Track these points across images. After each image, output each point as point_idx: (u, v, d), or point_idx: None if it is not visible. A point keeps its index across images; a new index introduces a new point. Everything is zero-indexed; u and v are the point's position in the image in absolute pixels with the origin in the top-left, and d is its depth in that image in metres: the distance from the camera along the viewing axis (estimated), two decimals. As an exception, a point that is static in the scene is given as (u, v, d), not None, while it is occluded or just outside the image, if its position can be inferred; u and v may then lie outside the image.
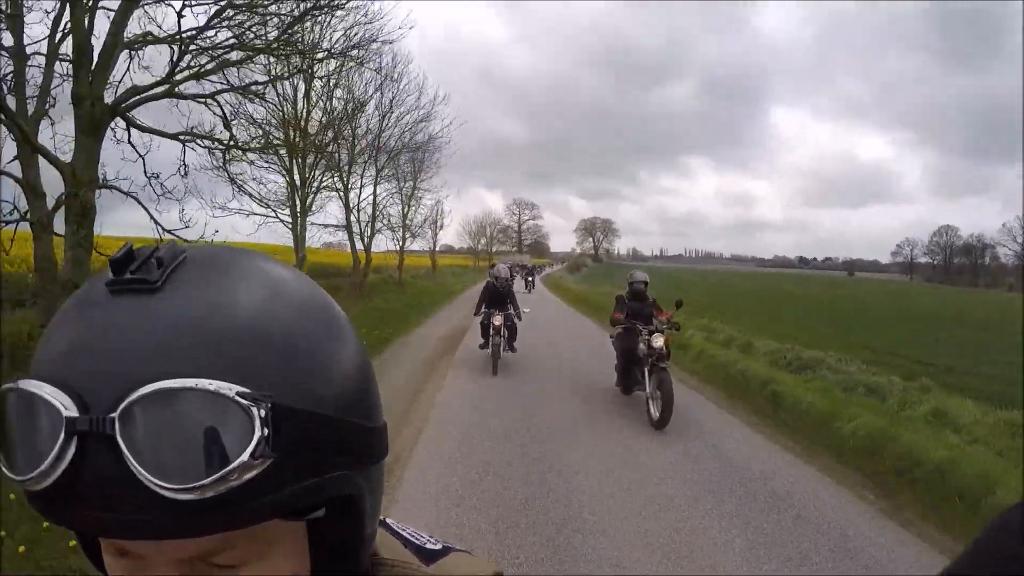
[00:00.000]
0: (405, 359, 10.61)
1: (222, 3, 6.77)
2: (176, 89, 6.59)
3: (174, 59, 6.46)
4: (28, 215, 6.50)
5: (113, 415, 0.39)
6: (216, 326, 0.42)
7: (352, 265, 20.82)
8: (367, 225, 21.77)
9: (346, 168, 18.78)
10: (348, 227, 20.01)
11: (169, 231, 7.33)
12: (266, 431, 0.40)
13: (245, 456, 0.39)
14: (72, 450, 0.39)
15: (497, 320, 9.76)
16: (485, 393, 7.98)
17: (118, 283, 0.44)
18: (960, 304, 40.00)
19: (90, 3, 6.09)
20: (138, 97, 6.41)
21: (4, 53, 6.59)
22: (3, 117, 5.87)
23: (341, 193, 19.24)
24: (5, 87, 6.49)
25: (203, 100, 6.76)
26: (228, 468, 0.39)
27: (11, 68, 6.67)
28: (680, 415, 6.54)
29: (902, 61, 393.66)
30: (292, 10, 7.13)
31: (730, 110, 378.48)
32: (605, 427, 6.63)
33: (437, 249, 40.80)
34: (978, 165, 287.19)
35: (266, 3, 7.03)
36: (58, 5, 6.57)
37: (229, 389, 0.40)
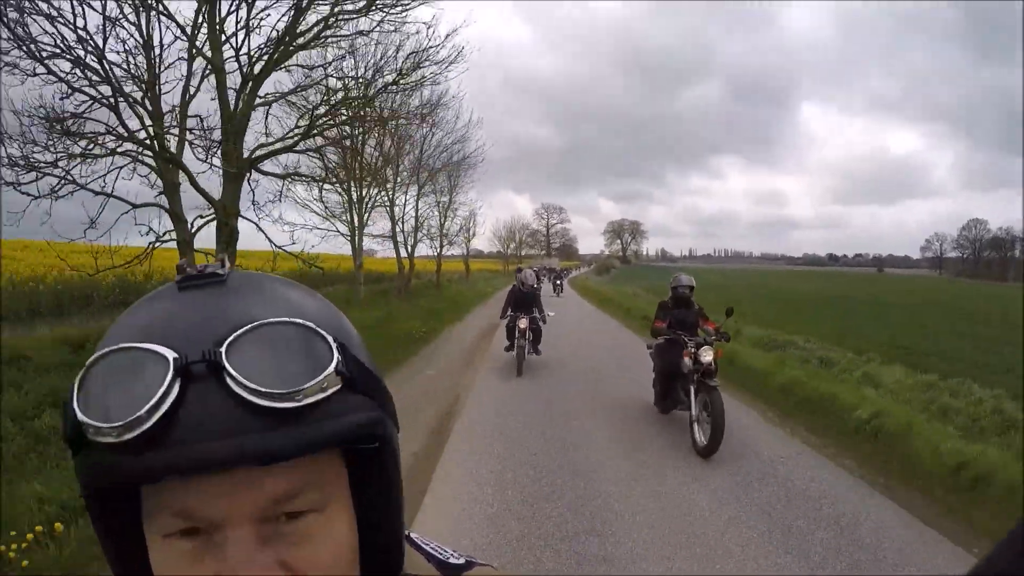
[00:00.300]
0: (451, 345, 12.97)
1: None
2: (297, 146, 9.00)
3: (297, 125, 8.90)
4: (175, 235, 8.88)
5: (220, 348, 0.45)
6: (281, 296, 0.52)
7: (397, 271, 23.43)
8: (410, 235, 24.43)
9: (391, 188, 21.37)
10: (393, 237, 22.52)
11: (279, 247, 9.67)
12: (339, 356, 0.48)
13: (331, 368, 0.47)
14: (176, 388, 0.44)
15: (523, 323, 10.13)
16: (510, 395, 8.52)
17: (187, 279, 0.51)
18: (977, 297, 41.05)
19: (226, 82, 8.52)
20: (268, 151, 8.79)
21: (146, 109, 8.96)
22: (172, 166, 8.29)
23: (387, 208, 21.76)
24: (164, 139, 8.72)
25: (314, 154, 9.14)
26: (322, 375, 0.46)
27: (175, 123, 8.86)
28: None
29: (930, 55, 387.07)
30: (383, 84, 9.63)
31: (758, 109, 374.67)
32: (639, 449, 6.12)
33: (468, 254, 43.43)
34: (1009, 157, 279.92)
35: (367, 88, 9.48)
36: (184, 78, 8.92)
37: (311, 324, 0.48)
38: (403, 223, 23.53)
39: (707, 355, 6.05)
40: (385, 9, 8.75)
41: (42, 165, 7.25)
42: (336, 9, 8.43)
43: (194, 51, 8.12)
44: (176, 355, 0.45)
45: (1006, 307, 28.48)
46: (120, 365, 0.45)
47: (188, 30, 7.99)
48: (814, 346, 11.53)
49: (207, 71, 8.30)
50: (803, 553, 4.03)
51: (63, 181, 7.41)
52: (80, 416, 0.44)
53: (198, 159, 8.47)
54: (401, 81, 9.54)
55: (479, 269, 57.09)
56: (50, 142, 7.30)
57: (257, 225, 9.59)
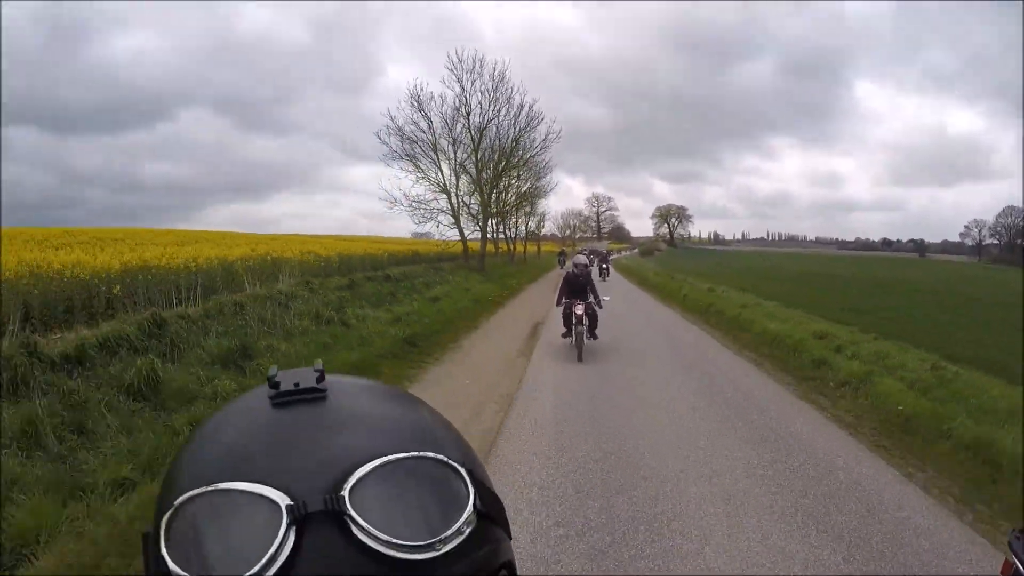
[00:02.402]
0: (533, 293, 24.09)
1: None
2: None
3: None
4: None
5: (343, 493, 0.40)
6: (390, 414, 0.48)
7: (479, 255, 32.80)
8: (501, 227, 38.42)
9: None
10: (483, 231, 34.04)
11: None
12: (474, 492, 0.44)
13: (469, 508, 0.43)
14: (292, 539, 0.39)
15: (579, 309, 10.13)
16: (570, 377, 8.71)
17: (282, 395, 0.47)
18: (982, 281, 41.00)
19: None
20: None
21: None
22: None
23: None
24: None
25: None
26: (462, 518, 0.42)
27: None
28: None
29: (990, 30, 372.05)
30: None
31: (812, 87, 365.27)
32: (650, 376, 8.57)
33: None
34: None
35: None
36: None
37: (442, 456, 0.44)
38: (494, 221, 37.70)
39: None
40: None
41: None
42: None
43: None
44: (291, 501, 0.40)
45: (998, 291, 30.02)
46: (221, 509, 0.41)
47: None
48: (771, 304, 16.27)
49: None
50: (692, 374, 8.54)
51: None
52: (172, 567, 0.39)
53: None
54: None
55: (547, 250, 72.25)
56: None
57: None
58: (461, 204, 31.20)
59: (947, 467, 5.32)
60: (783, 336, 11.18)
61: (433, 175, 30.22)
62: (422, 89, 29.77)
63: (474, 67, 29.70)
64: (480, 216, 31.86)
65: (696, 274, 32.43)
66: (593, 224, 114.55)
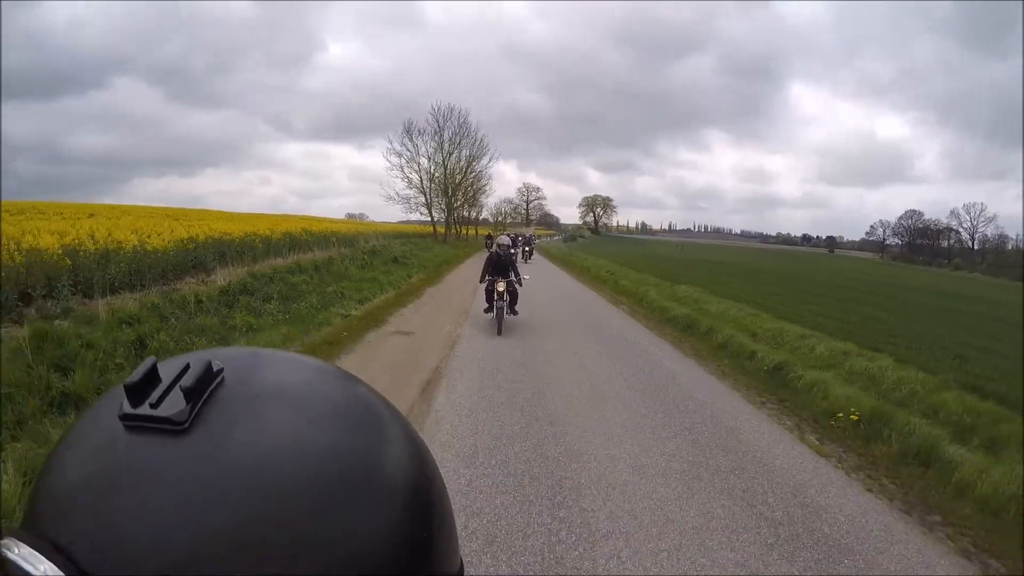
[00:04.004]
0: (477, 257, 31.00)
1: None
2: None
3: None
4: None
5: None
6: (236, 502, 0.36)
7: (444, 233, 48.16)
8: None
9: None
10: (447, 220, 48.29)
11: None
12: None
13: None
14: None
15: (500, 286, 10.91)
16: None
17: (134, 419, 0.38)
18: (882, 276, 46.95)
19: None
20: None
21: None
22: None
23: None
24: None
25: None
26: None
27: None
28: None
29: (924, 44, 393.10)
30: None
31: (750, 85, 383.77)
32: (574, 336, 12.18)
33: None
34: (998, 149, 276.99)
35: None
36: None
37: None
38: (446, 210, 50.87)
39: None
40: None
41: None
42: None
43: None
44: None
45: (877, 282, 35.56)
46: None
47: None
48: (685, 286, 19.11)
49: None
50: (608, 348, 9.67)
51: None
52: None
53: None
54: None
55: (483, 233, 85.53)
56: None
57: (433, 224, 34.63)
58: (432, 201, 52.67)
59: (706, 352, 11.14)
60: (643, 293, 17.11)
61: (415, 180, 51.84)
62: (412, 123, 58.47)
63: (449, 112, 54.44)
64: (445, 209, 53.77)
65: (604, 256, 40.15)
66: (523, 212, 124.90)
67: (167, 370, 0.41)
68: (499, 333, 10.38)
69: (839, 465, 5.29)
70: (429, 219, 52.31)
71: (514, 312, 11.36)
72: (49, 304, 8.23)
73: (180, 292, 10.13)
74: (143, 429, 0.38)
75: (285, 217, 36.84)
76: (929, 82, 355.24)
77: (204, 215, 24.88)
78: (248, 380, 0.42)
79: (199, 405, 0.39)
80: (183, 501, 0.35)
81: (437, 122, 53.64)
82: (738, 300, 15.89)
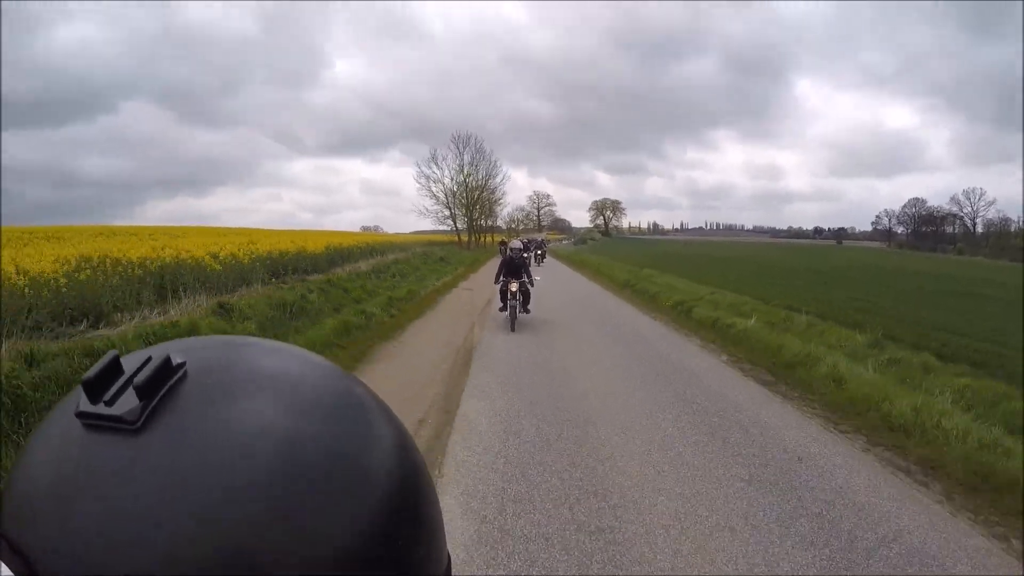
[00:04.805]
0: (490, 265, 36.92)
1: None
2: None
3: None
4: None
5: None
6: (190, 509, 0.35)
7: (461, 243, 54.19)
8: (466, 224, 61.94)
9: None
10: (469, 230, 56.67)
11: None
12: None
13: None
14: None
15: (513, 287, 11.64)
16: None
17: (89, 417, 0.38)
18: (883, 263, 47.44)
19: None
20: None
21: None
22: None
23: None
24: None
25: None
26: None
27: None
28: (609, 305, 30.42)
29: (925, 30, 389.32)
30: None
31: (753, 82, 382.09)
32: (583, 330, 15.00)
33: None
34: (1002, 133, 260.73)
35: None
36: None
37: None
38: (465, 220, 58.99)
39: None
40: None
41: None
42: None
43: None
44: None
45: (882, 271, 35.88)
46: None
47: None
48: (667, 276, 23.48)
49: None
50: (604, 329, 11.90)
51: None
52: None
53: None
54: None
55: (498, 239, 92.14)
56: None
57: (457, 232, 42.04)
58: (456, 214, 64.79)
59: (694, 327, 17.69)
60: (645, 286, 20.13)
61: (442, 198, 63.89)
62: (435, 150, 74.35)
63: (467, 139, 65.35)
64: (467, 222, 66.07)
65: (601, 254, 45.98)
66: (535, 218, 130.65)
67: (130, 364, 0.41)
68: (513, 330, 11.31)
69: (708, 350, 9.86)
70: (449, 229, 65.45)
71: (527, 311, 12.25)
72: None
73: (346, 273, 18.41)
74: (100, 428, 0.38)
75: (328, 232, 41.29)
76: (933, 68, 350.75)
77: (251, 233, 29.03)
78: (215, 374, 0.42)
79: (153, 403, 0.38)
80: (139, 503, 0.35)
81: (458, 147, 66.25)
82: (680, 275, 23.86)
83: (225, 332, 8.37)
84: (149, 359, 0.40)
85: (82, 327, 7.91)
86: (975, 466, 4.97)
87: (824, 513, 4.18)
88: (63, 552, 0.35)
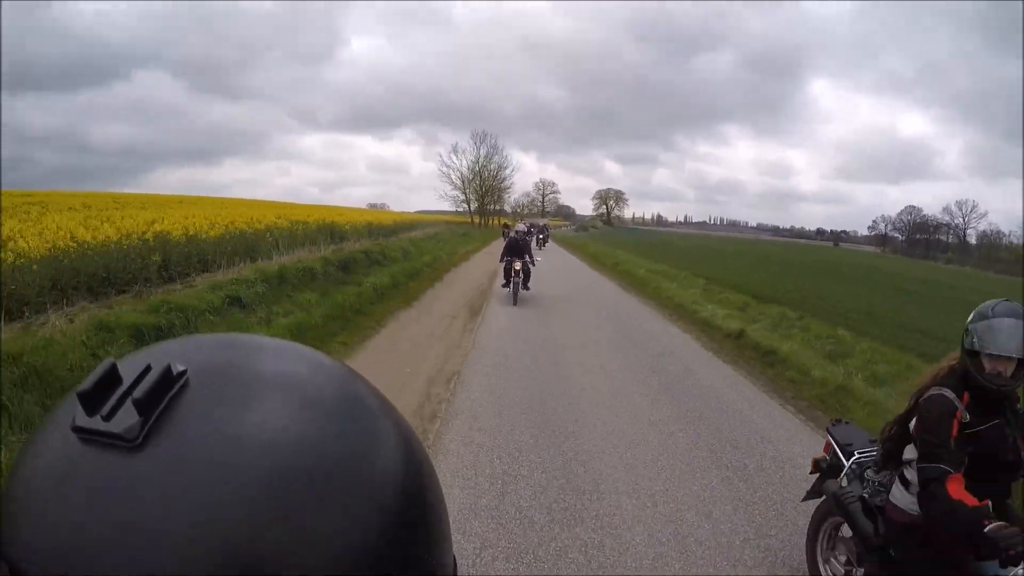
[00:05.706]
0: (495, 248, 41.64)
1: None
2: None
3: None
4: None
5: None
6: (194, 533, 0.35)
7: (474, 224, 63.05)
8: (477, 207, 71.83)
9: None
10: (480, 214, 65.06)
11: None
12: None
13: None
14: None
15: (516, 265, 12.57)
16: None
17: (85, 432, 0.37)
18: (873, 267, 47.54)
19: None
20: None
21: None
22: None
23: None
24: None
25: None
26: None
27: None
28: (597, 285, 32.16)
29: (946, 40, 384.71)
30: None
31: (769, 80, 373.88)
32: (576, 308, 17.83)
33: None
34: (1016, 148, 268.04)
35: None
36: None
37: None
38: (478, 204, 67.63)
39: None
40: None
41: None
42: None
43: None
44: None
45: (872, 274, 37.27)
46: None
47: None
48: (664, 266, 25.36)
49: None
50: (598, 306, 14.28)
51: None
52: None
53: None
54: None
55: (503, 222, 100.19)
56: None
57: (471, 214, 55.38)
58: (470, 199, 77.81)
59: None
60: (633, 270, 23.05)
61: (459, 184, 76.74)
62: (456, 144, 72.87)
63: (484, 136, 77.50)
64: (479, 207, 78.95)
65: (599, 242, 49.33)
66: (539, 205, 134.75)
67: (128, 372, 0.40)
68: (515, 304, 12.37)
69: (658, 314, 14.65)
70: (457, 209, 78.92)
71: (527, 288, 13.29)
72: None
73: (399, 241, 26.03)
74: (97, 442, 0.37)
75: (353, 210, 46.58)
76: (950, 78, 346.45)
77: (293, 207, 33.50)
78: (217, 380, 0.41)
79: (152, 419, 0.37)
80: (139, 520, 0.35)
81: (475, 144, 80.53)
82: (649, 257, 29.89)
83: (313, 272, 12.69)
84: (148, 368, 0.39)
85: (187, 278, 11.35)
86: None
87: (642, 343, 10.00)
88: (55, 566, 0.34)
